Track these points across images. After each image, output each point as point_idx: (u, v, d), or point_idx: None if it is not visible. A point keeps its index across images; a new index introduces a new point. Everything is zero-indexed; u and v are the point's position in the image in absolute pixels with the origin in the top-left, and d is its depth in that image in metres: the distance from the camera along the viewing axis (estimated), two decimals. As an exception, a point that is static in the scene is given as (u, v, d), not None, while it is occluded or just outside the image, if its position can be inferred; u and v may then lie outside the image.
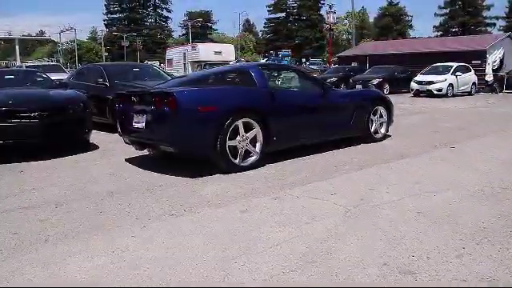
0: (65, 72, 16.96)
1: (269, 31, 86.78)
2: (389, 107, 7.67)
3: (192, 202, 4.14)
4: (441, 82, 19.80)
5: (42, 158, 6.32)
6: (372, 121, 7.25)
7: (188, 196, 4.35)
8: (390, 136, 7.75)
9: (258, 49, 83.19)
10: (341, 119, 6.73)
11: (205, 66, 24.23)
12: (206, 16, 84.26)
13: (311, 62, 56.96)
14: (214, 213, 3.84)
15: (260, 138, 5.48)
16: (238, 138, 5.26)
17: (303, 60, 61.56)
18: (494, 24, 72.85)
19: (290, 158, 5.94)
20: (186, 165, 5.52)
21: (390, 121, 7.70)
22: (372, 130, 7.28)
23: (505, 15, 73.10)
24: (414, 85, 20.69)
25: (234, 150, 5.26)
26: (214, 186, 4.72)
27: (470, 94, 21.52)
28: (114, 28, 76.58)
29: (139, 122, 5.32)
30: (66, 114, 6.65)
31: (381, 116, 7.49)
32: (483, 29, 71.70)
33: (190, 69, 27.30)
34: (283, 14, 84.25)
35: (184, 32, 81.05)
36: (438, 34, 72.25)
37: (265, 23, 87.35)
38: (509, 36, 26.20)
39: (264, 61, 53.25)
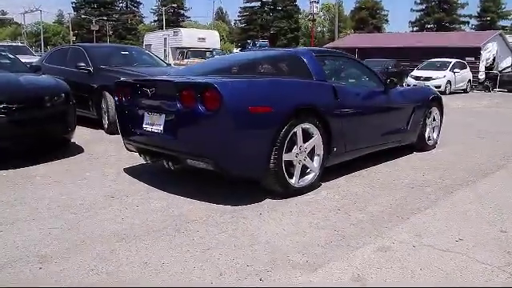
0: (33, 55, 14.85)
1: (243, 20, 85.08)
2: (442, 109, 6.35)
3: (262, 261, 2.63)
4: (440, 78, 18.83)
5: (4, 167, 4.63)
6: (426, 125, 5.89)
7: (247, 246, 2.83)
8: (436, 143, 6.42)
9: (230, 38, 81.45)
10: (399, 123, 5.34)
11: (187, 53, 22.41)
12: (179, 2, 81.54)
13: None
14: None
15: (320, 148, 4.02)
16: (295, 149, 3.78)
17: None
18: (468, 22, 73.70)
19: (335, 171, 4.48)
20: (210, 180, 3.99)
21: (441, 125, 6.40)
22: (426, 135, 5.94)
23: (477, 14, 73.99)
24: (411, 80, 19.64)
25: (289, 166, 3.77)
26: (275, 223, 3.21)
27: (465, 91, 20.72)
28: (83, 11, 72.70)
29: (154, 124, 3.74)
30: (42, 107, 4.97)
31: (434, 119, 6.16)
32: (457, 26, 72.52)
33: (170, 56, 25.29)
34: (258, 4, 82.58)
35: (156, 18, 78.22)
36: (414, 29, 72.62)
37: (239, 12, 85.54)
38: (500, 34, 25.56)
39: (238, 51, 51.58)
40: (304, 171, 3.93)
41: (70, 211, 3.40)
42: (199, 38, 26.27)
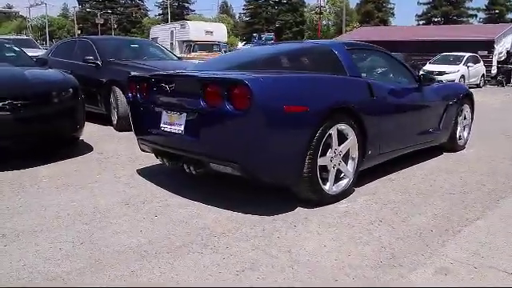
0: (38, 48, 14.47)
1: (248, 14, 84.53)
2: (473, 106, 5.96)
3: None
4: (454, 72, 18.34)
5: (9, 167, 4.29)
6: (457, 124, 5.50)
7: (287, 267, 2.47)
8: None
9: (235, 32, 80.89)
10: (433, 122, 4.96)
11: (194, 46, 21.98)
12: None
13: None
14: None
15: (355, 151, 3.65)
16: (330, 153, 3.41)
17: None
18: (476, 15, 72.85)
19: (365, 175, 4.10)
20: (234, 185, 3.64)
21: (471, 123, 6.02)
22: (457, 135, 5.55)
23: (485, 7, 73.08)
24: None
25: (322, 171, 3.40)
26: (313, 238, 2.85)
27: (478, 86, 20.22)
28: (87, 5, 72.24)
29: (173, 124, 3.37)
30: (49, 103, 4.62)
31: (464, 117, 5.76)
32: (465, 20, 71.73)
33: (177, 49, 24.85)
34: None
35: (160, 12, 77.75)
36: (421, 23, 71.90)
37: (244, 5, 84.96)
38: (513, 26, 24.99)
39: (242, 45, 51.04)
40: (338, 176, 3.56)
41: (82, 221, 3.05)
42: (207, 31, 25.78)
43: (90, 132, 6.16)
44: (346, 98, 3.53)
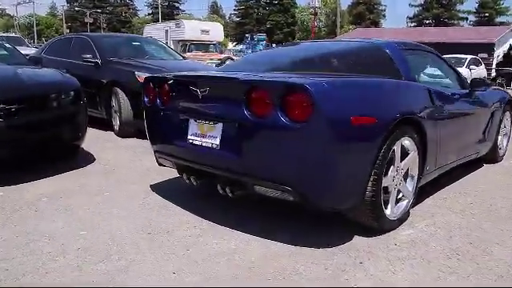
0: (28, 46, 13.71)
1: (239, 14, 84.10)
2: (512, 113, 5.46)
3: None
4: (456, 75, 17.90)
5: (0, 182, 3.67)
6: (498, 132, 4.99)
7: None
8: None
9: (225, 32, 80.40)
10: (480, 131, 4.43)
11: (189, 46, 21.29)
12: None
13: (285, 48, 54.77)
14: None
15: (415, 168, 3.11)
16: (392, 171, 2.84)
17: (273, 45, 59.79)
18: (467, 18, 73.21)
19: None
20: (269, 205, 3.06)
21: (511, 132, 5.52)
22: (498, 144, 5.04)
23: (475, 10, 73.47)
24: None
25: (384, 192, 2.84)
26: (389, 280, 2.29)
27: (479, 89, 19.84)
28: (76, 4, 70.95)
29: (205, 136, 2.78)
30: (47, 108, 4.00)
31: (504, 126, 5.25)
32: (455, 22, 72.11)
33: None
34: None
35: (150, 11, 76.85)
36: (412, 25, 72.11)
37: (235, 6, 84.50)
38: None
39: (233, 45, 50.33)
40: (396, 198, 3.00)
41: (97, 259, 2.44)
42: (202, 31, 25.06)
43: (89, 138, 5.48)
44: (412, 107, 2.98)
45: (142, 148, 5.30)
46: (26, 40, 20.63)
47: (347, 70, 3.33)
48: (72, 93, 4.24)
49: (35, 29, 61.33)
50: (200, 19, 70.27)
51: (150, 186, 3.81)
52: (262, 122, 2.47)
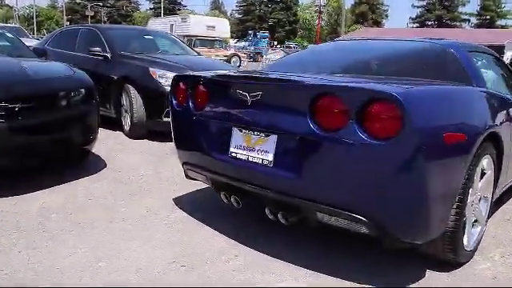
0: (29, 38, 13.14)
1: (241, 11, 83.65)
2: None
3: None
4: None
5: (2, 193, 3.17)
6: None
7: None
8: None
9: (227, 29, 79.95)
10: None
11: (194, 41, 20.76)
12: (176, -10, 79.58)
13: (287, 45, 54.69)
14: None
15: (489, 189, 2.65)
16: (471, 195, 2.36)
17: (275, 43, 59.58)
18: (469, 20, 73.01)
19: None
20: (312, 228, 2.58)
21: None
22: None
23: (476, 13, 73.23)
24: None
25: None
26: None
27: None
28: (77, -4, 70.22)
29: (254, 150, 2.29)
30: (56, 107, 3.50)
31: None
32: (458, 24, 71.98)
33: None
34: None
35: (152, 6, 76.24)
36: (414, 26, 71.91)
37: (237, 2, 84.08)
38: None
39: (234, 42, 49.88)
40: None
41: (122, 301, 1.95)
42: (208, 26, 24.44)
43: (98, 139, 5.02)
44: (493, 120, 2.51)
45: (157, 152, 4.82)
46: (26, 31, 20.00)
47: (412, 74, 2.83)
48: (83, 90, 3.75)
49: (35, 20, 60.52)
50: (201, 15, 69.74)
51: (173, 199, 3.32)
52: (331, 136, 1.99)
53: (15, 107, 3.16)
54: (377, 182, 1.93)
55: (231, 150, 2.41)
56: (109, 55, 5.86)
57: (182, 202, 3.25)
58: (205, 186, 3.18)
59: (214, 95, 2.53)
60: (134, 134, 5.43)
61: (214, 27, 24.78)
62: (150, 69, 5.27)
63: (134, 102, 5.29)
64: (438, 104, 2.09)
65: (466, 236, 2.42)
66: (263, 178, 2.28)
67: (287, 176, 2.17)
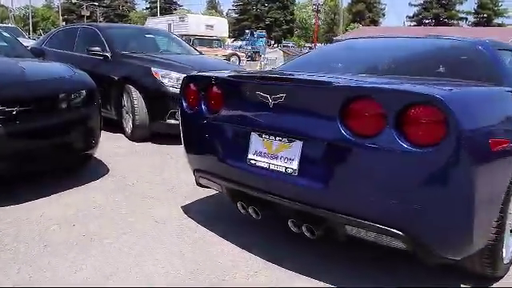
0: (25, 38, 12.90)
1: (237, 10, 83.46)
2: None
3: None
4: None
5: None
6: None
7: None
8: None
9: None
10: None
11: (193, 41, 20.52)
12: (172, -10, 79.26)
13: (284, 44, 54.60)
14: None
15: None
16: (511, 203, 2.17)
17: (272, 42, 59.43)
18: (466, 18, 73.05)
19: None
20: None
21: None
22: None
23: (474, 11, 73.26)
24: None
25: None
26: None
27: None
28: (73, -4, 69.79)
29: (275, 157, 2.10)
30: (56, 110, 3.29)
31: None
32: (455, 22, 72.00)
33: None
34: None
35: (148, 6, 75.91)
36: (412, 24, 71.91)
37: (234, 2, 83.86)
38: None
39: (231, 42, 49.65)
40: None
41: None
42: (207, 26, 24.17)
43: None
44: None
45: (161, 156, 4.61)
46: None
47: (442, 74, 2.64)
48: (84, 92, 3.54)
49: (31, 21, 60.11)
50: (199, 14, 69.40)
51: (182, 208, 3.12)
52: (365, 143, 1.80)
53: (13, 110, 2.95)
54: (416, 192, 1.74)
55: (250, 156, 2.22)
56: (109, 55, 5.65)
57: (192, 211, 3.05)
58: (216, 192, 2.98)
59: (229, 97, 2.33)
60: (136, 136, 5.23)
61: (212, 26, 24.52)
62: (153, 69, 5.07)
63: (136, 103, 5.09)
64: (481, 107, 1.91)
65: (504, 248, 2.24)
66: (287, 188, 2.08)
67: (314, 186, 1.98)
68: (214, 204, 3.21)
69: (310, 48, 44.31)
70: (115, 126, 5.57)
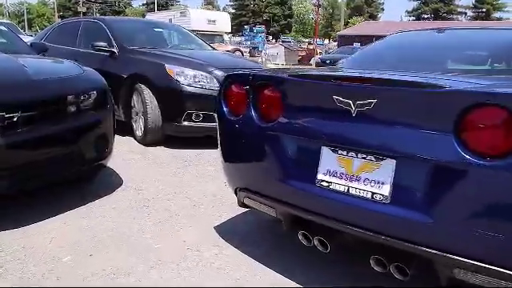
0: (22, 34, 12.34)
1: (235, 6, 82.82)
2: None
3: None
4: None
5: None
6: None
7: None
8: None
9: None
10: None
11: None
12: (169, -15, 78.47)
13: (283, 39, 54.19)
14: None
15: None
16: None
17: (270, 37, 58.99)
18: (465, 13, 72.78)
19: None
20: None
21: None
22: None
23: (472, 5, 72.95)
24: None
25: None
26: None
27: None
28: (68, -8, 68.88)
29: (358, 179, 1.64)
30: (63, 116, 2.79)
31: None
32: (454, 17, 71.78)
33: (175, 39, 22.56)
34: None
35: (145, 2, 75.15)
36: (411, 19, 71.66)
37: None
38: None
39: (228, 37, 49.11)
40: None
41: None
42: (209, 21, 23.51)
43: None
44: None
45: (178, 163, 4.14)
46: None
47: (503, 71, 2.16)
48: (95, 93, 3.04)
49: (26, 17, 59.23)
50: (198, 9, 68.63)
51: (215, 229, 2.65)
52: (492, 165, 1.33)
53: (13, 117, 2.46)
54: None
55: (320, 177, 1.74)
56: (116, 50, 5.15)
57: (228, 233, 2.58)
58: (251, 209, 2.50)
59: (292, 101, 1.85)
60: (148, 140, 4.74)
61: (214, 21, 23.87)
62: (167, 65, 4.58)
63: (148, 104, 4.60)
64: None
65: None
66: (373, 218, 1.61)
67: (413, 217, 1.51)
68: (254, 223, 2.73)
69: (310, 43, 43.85)
70: (123, 127, 5.07)
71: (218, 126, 2.23)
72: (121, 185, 3.43)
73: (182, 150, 4.57)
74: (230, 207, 2.93)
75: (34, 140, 2.58)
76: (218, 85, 4.52)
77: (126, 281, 2.03)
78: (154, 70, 4.66)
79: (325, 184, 1.72)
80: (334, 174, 1.70)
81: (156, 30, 5.96)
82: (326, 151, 1.73)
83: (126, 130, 5.02)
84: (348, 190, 1.66)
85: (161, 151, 4.57)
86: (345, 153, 1.68)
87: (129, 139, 5.00)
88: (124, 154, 4.34)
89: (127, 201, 3.09)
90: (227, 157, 2.21)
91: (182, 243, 2.45)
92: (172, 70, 4.55)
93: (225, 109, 2.13)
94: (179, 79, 4.49)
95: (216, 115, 2.20)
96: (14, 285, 1.92)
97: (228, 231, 2.61)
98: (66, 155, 2.79)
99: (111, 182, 3.45)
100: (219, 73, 4.55)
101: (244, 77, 2.05)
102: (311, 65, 27.95)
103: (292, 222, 1.96)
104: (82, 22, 6.03)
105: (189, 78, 4.52)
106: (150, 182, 3.53)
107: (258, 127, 1.94)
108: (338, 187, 1.69)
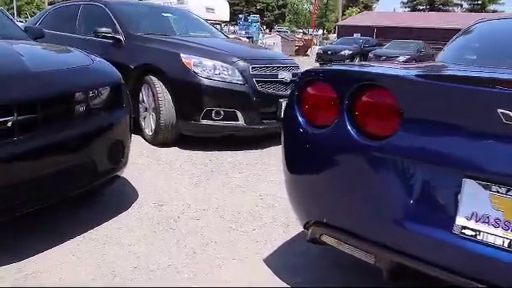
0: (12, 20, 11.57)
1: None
2: None
3: None
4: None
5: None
6: None
7: None
8: None
9: (214, 13, 78.45)
10: None
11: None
12: (162, -27, 77.30)
13: (277, 29, 53.46)
14: None
15: None
16: None
17: (264, 27, 58.27)
18: (461, 5, 72.53)
19: None
20: None
21: None
22: None
23: (468, -3, 72.64)
24: None
25: None
26: None
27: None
28: (57, -23, 67.31)
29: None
30: (70, 118, 2.20)
31: None
32: (450, 9, 71.53)
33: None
34: (245, -22, 79.17)
35: (137, -12, 73.86)
36: (406, 10, 71.29)
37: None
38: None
39: (223, 26, 48.33)
40: None
41: None
42: (207, 9, 22.71)
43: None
44: None
45: (197, 168, 3.60)
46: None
47: None
48: (109, 88, 2.47)
49: (15, 4, 57.67)
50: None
51: (265, 260, 2.10)
52: None
53: (7, 121, 1.88)
54: None
55: (460, 222, 1.20)
56: (122, 37, 4.56)
57: (280, 266, 2.04)
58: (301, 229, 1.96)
59: (416, 112, 1.30)
60: (159, 139, 4.18)
61: (213, 9, 23.12)
62: (182, 55, 4.00)
63: (161, 99, 4.03)
64: None
65: None
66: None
67: None
68: (315, 255, 2.19)
69: (304, 33, 43.25)
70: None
71: (283, 139, 1.68)
72: (136, 199, 2.88)
73: (199, 152, 4.03)
74: (274, 229, 2.41)
75: (34, 149, 2.01)
76: (241, 77, 3.97)
77: None
78: (168, 60, 4.09)
79: (469, 233, 1.19)
80: (484, 220, 1.17)
81: (164, 14, 5.35)
82: (471, 186, 1.19)
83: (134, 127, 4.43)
84: (508, 243, 1.12)
85: (175, 154, 4.01)
86: (504, 190, 1.14)
87: (136, 138, 4.42)
88: (134, 157, 3.76)
89: (147, 221, 2.54)
90: (299, 180, 1.66)
91: (224, 282, 1.91)
92: (189, 60, 3.98)
93: (300, 118, 1.57)
94: (197, 71, 3.92)
95: (282, 124, 1.64)
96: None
97: (283, 267, 2.07)
98: (74, 168, 2.21)
99: (125, 195, 2.90)
100: (242, 64, 4.00)
101: (335, 74, 1.48)
102: (308, 55, 27.32)
103: (399, 274, 1.42)
104: (81, 5, 5.38)
105: (208, 70, 3.95)
106: (169, 194, 2.98)
107: (355, 145, 1.40)
108: (491, 238, 1.15)
